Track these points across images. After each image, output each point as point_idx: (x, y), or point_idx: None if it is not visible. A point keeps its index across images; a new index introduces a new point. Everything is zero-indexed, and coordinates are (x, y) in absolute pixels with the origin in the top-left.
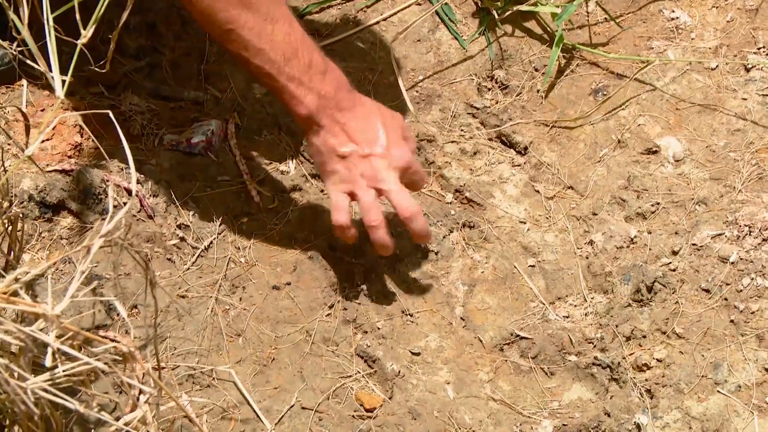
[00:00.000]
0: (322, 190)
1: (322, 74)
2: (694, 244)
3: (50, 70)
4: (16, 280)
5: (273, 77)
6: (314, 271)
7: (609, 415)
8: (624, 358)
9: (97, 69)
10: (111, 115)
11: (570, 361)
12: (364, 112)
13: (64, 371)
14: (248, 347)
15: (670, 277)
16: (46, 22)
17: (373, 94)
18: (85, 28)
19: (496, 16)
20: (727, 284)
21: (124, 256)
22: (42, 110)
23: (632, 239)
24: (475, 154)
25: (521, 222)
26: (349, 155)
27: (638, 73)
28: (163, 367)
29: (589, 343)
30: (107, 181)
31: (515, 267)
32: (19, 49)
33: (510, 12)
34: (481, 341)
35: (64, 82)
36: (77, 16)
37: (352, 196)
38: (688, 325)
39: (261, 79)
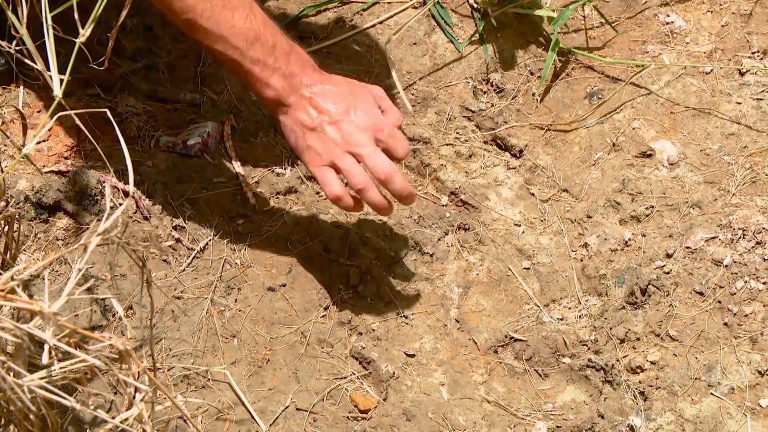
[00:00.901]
0: (317, 192)
1: (286, 55)
2: (688, 247)
3: (48, 69)
4: (13, 277)
5: (237, 62)
6: (309, 273)
7: (603, 417)
8: (618, 360)
9: (94, 67)
10: (109, 114)
11: (564, 363)
12: (331, 85)
13: (60, 369)
14: (243, 348)
15: (664, 280)
16: (44, 21)
17: None
18: (83, 28)
19: (492, 20)
20: (721, 287)
21: (119, 257)
22: (39, 111)
23: (626, 242)
24: (470, 156)
25: (516, 224)
26: (319, 125)
27: (633, 77)
28: (159, 368)
29: (583, 345)
30: (104, 182)
31: (510, 269)
32: (17, 48)
33: (506, 15)
34: (475, 343)
35: (61, 81)
36: (75, 15)
37: (333, 166)
38: (681, 328)
39: (227, 65)
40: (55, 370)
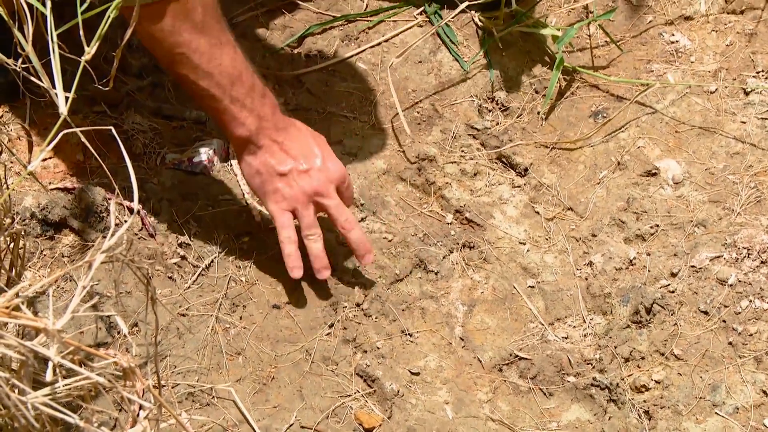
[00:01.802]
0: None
1: (261, 97)
2: (692, 266)
3: (54, 87)
4: (18, 294)
5: (217, 99)
6: (314, 291)
7: None
8: (622, 379)
9: (100, 87)
10: (114, 131)
11: (569, 381)
12: (296, 132)
13: (64, 386)
14: (248, 366)
15: (668, 299)
16: (50, 39)
17: (374, 115)
18: (88, 46)
19: (497, 38)
20: (726, 306)
21: (124, 275)
22: (45, 128)
23: (631, 261)
24: (475, 175)
25: (521, 243)
26: (289, 172)
27: (638, 96)
28: (163, 385)
29: (588, 364)
30: (109, 199)
31: (515, 288)
32: (23, 66)
33: (511, 34)
34: (480, 361)
35: (67, 98)
36: (80, 33)
37: (294, 212)
38: (686, 347)
39: (202, 101)
40: (59, 387)
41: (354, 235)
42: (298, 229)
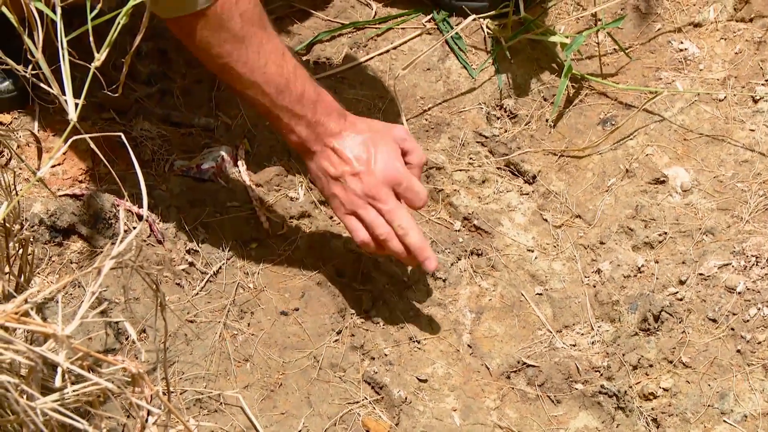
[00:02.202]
0: (331, 217)
1: (313, 103)
2: (701, 274)
3: (63, 93)
4: (27, 300)
5: (267, 108)
6: (322, 297)
7: None
8: (630, 386)
9: (109, 93)
10: (123, 138)
11: (577, 389)
12: (354, 133)
13: (73, 392)
14: (256, 372)
15: (677, 307)
16: (59, 45)
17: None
18: (98, 52)
19: (506, 46)
20: (734, 314)
21: (133, 281)
22: (54, 134)
23: (639, 268)
24: (483, 182)
25: (529, 250)
26: (342, 176)
27: (647, 104)
28: (171, 391)
29: (596, 371)
30: (118, 205)
31: (522, 295)
32: (33, 72)
33: (519, 42)
34: (488, 368)
35: (77, 105)
36: (90, 39)
37: (356, 216)
38: (694, 355)
39: (256, 108)
40: (68, 393)
41: (410, 240)
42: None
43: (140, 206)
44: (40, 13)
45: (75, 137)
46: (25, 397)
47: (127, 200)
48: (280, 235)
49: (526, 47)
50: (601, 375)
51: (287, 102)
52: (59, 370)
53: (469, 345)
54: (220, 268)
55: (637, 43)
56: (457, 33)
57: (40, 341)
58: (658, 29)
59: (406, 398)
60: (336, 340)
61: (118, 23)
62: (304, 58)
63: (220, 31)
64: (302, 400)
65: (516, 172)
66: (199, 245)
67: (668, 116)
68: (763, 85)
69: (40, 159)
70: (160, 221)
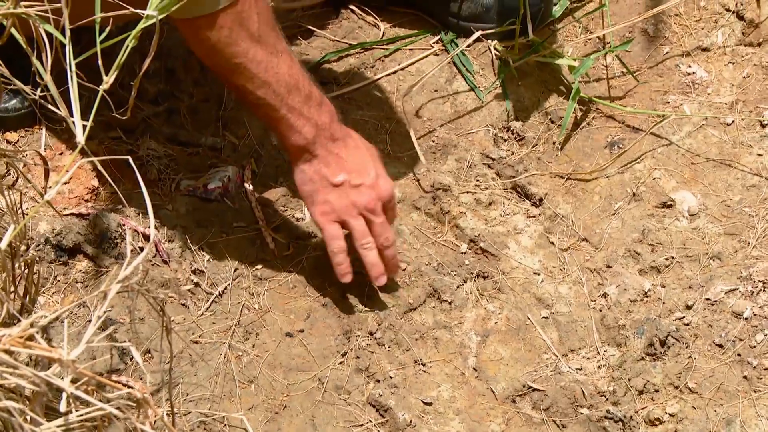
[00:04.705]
0: None
1: (318, 105)
2: (707, 299)
3: (71, 116)
4: (32, 324)
5: (275, 108)
6: (327, 319)
7: None
8: (636, 412)
9: (117, 116)
10: (131, 161)
11: (582, 414)
12: (353, 143)
13: (77, 416)
14: (260, 394)
15: (683, 332)
16: (68, 68)
17: (390, 143)
18: (107, 74)
19: (513, 68)
20: (741, 340)
21: (138, 301)
22: (60, 154)
23: (646, 293)
24: (490, 204)
25: (535, 273)
26: (342, 184)
27: (654, 127)
28: (176, 413)
29: (602, 396)
30: (124, 225)
31: (528, 318)
32: (41, 94)
33: (527, 64)
34: (493, 392)
35: (84, 127)
36: (99, 62)
37: (343, 224)
38: (701, 380)
39: (260, 110)
40: (72, 417)
41: (389, 253)
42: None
43: (146, 226)
44: (49, 33)
45: (82, 160)
46: (29, 421)
47: (132, 220)
48: (286, 256)
49: (534, 69)
50: (607, 400)
51: (296, 102)
52: (64, 394)
53: (474, 368)
54: (226, 288)
55: (644, 67)
56: (464, 54)
57: (45, 364)
58: (666, 53)
59: (410, 421)
60: (341, 362)
61: (127, 46)
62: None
63: (239, 30)
64: (306, 423)
65: (523, 195)
66: (205, 265)
67: (676, 140)
68: None
69: (47, 179)
70: (166, 241)
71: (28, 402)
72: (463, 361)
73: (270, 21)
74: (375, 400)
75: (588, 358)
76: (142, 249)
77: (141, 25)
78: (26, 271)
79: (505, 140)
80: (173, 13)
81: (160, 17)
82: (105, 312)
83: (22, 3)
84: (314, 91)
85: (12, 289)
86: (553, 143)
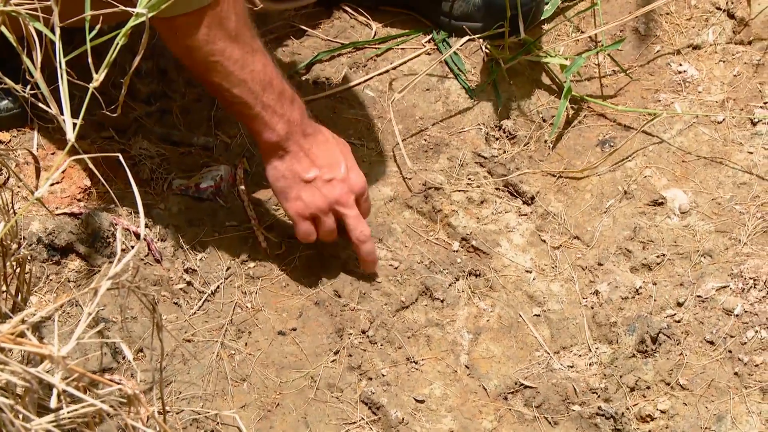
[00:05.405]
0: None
1: (291, 102)
2: (698, 296)
3: (62, 114)
4: (23, 321)
5: (249, 106)
6: (320, 317)
7: None
8: (628, 408)
9: (108, 114)
10: (122, 158)
11: (574, 410)
12: (323, 139)
13: (68, 413)
14: (253, 392)
15: (674, 329)
16: (58, 66)
17: (381, 142)
18: (97, 72)
19: (504, 67)
20: (732, 336)
21: (130, 300)
22: (53, 153)
23: (637, 290)
24: (482, 203)
25: (527, 271)
26: (314, 180)
27: (645, 125)
28: (168, 411)
29: (593, 393)
30: (116, 224)
31: (520, 316)
32: (32, 92)
33: (519, 63)
34: (485, 389)
35: (75, 125)
36: (89, 60)
37: (313, 219)
38: (692, 377)
39: (233, 108)
40: (63, 414)
41: (366, 247)
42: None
43: (138, 225)
44: (39, 32)
45: (73, 157)
46: (20, 418)
47: (124, 219)
48: (278, 255)
49: (526, 68)
50: (599, 397)
51: (270, 100)
52: (55, 391)
53: (466, 366)
54: (218, 287)
55: (636, 65)
56: (456, 53)
57: (37, 361)
58: (657, 51)
59: (403, 419)
60: (333, 361)
61: (117, 44)
62: (304, 78)
63: (218, 29)
64: (299, 421)
65: (514, 193)
66: (197, 264)
67: (667, 138)
68: (761, 107)
69: (38, 178)
70: (159, 240)
71: (19, 399)
72: (455, 358)
73: (246, 20)
74: (367, 398)
75: (579, 356)
76: (134, 248)
77: (130, 23)
78: (18, 269)
79: (497, 139)
80: (158, 11)
81: (149, 15)
82: (96, 309)
83: (12, 1)
84: (286, 88)
85: (3, 288)
86: (545, 142)
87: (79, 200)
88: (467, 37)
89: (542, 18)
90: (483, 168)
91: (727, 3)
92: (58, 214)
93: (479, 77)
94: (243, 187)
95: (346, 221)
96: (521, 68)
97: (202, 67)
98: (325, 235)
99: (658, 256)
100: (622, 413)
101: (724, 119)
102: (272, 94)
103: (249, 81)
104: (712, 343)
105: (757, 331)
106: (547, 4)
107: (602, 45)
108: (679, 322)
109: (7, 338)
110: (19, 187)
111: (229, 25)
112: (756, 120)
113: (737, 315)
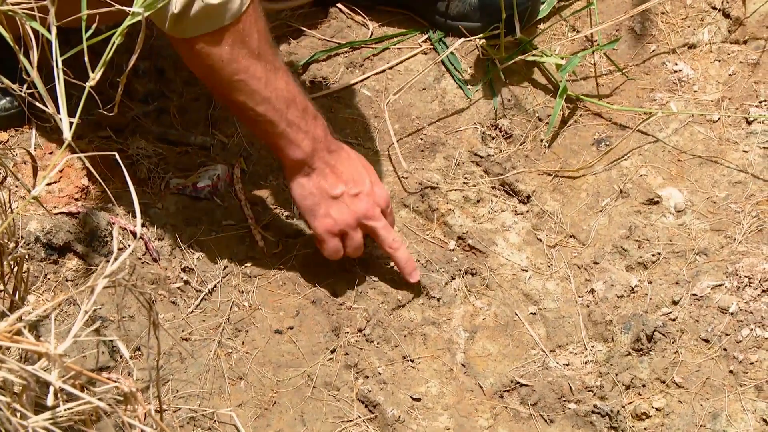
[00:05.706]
0: None
1: (314, 119)
2: (694, 295)
3: (59, 113)
4: (20, 319)
5: (274, 123)
6: (317, 316)
7: None
8: (623, 406)
9: (105, 113)
10: (118, 157)
11: (569, 408)
12: (346, 155)
13: (65, 411)
14: (250, 390)
15: (670, 327)
16: (55, 65)
17: (378, 142)
18: (93, 72)
19: (500, 67)
20: (727, 335)
21: (128, 299)
22: (50, 153)
23: (633, 288)
24: (478, 201)
25: (523, 270)
26: (341, 195)
27: (641, 125)
28: (165, 410)
29: (589, 391)
30: (113, 223)
31: (516, 314)
32: (28, 91)
33: (515, 62)
34: (481, 388)
35: (71, 124)
36: (86, 59)
37: (342, 235)
38: (687, 375)
39: (259, 126)
40: (60, 411)
41: (402, 254)
42: None
43: (135, 224)
44: (36, 32)
45: (70, 156)
46: (17, 415)
47: (122, 218)
48: (275, 254)
49: (522, 68)
50: (594, 395)
51: (295, 116)
52: (51, 389)
53: (462, 364)
54: (215, 286)
55: (631, 65)
56: (452, 53)
57: (34, 359)
58: (653, 51)
59: (399, 417)
60: (330, 359)
61: (113, 43)
62: (301, 78)
63: (241, 47)
64: (296, 419)
65: (510, 192)
66: (195, 263)
67: (662, 137)
68: (756, 106)
69: (35, 177)
70: (156, 239)
71: (16, 397)
72: (452, 357)
73: (268, 38)
74: (364, 396)
75: (575, 354)
76: (130, 246)
77: (127, 22)
78: (15, 268)
79: (493, 138)
80: (177, 32)
81: (146, 14)
82: (93, 308)
83: (9, 0)
84: (309, 104)
85: (1, 286)
86: (541, 141)
87: (76, 199)
88: (463, 38)
89: (538, 17)
90: (479, 167)
91: (722, 2)
92: (55, 214)
93: (475, 77)
94: (240, 186)
95: (376, 233)
96: (517, 68)
97: (226, 86)
98: (352, 251)
99: (653, 255)
100: (618, 411)
101: (719, 118)
102: (296, 111)
103: (273, 98)
104: (707, 341)
105: (752, 329)
106: (543, 3)
107: (598, 44)
108: (674, 320)
109: (4, 336)
110: (16, 186)
111: (252, 43)
112: (751, 119)
113: (732, 313)
